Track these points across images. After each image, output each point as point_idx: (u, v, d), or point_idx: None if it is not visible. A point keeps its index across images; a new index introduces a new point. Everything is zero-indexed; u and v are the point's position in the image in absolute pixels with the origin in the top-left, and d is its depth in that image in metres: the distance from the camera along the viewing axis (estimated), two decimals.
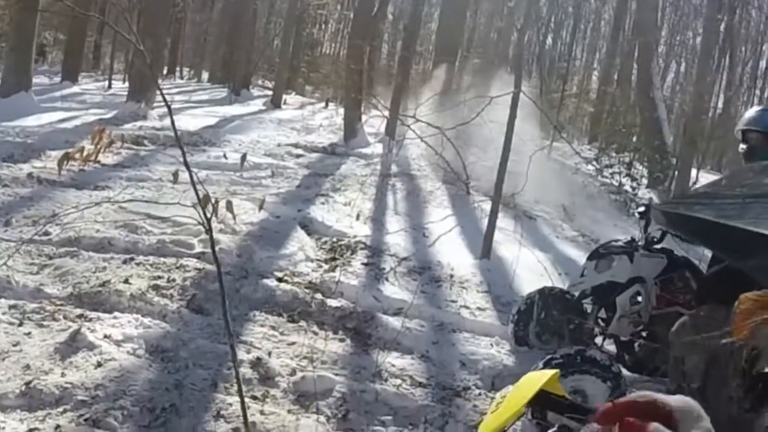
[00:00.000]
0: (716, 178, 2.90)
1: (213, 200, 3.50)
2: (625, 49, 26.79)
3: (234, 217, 4.78)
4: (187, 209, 3.74)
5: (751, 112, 5.41)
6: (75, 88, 20.91)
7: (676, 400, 1.10)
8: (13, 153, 10.33)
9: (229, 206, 3.70)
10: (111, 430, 4.03)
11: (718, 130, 20.25)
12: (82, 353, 4.80)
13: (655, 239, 5.61)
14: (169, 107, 3.76)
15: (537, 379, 1.53)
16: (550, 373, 1.53)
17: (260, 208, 4.58)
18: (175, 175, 3.81)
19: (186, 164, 3.51)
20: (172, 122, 3.61)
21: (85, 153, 10.34)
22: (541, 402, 1.52)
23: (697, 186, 12.77)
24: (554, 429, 1.33)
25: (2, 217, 7.45)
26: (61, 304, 5.63)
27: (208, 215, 3.45)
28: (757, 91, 36.94)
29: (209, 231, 3.50)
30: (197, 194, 3.47)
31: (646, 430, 1.06)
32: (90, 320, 5.34)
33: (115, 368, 4.67)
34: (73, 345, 4.87)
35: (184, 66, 38.88)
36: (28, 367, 4.57)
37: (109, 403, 4.26)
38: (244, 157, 4.10)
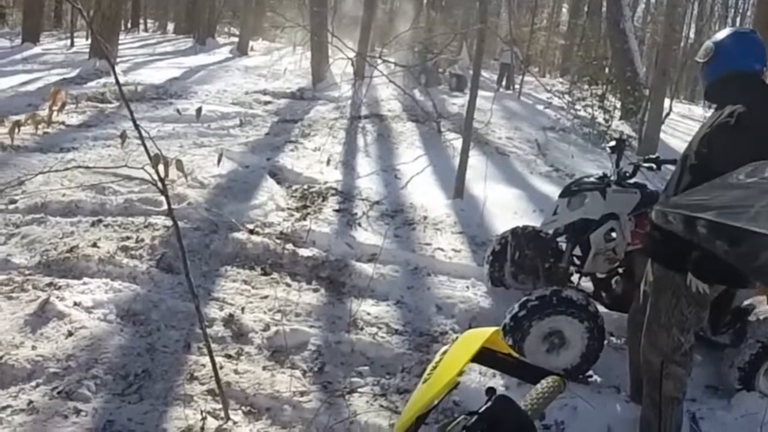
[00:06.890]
0: (725, 175, 2.70)
1: (163, 159, 3.38)
2: None
3: (186, 176, 4.64)
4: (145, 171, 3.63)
5: None
6: (36, 49, 20.60)
7: None
8: None
9: (179, 165, 3.58)
10: (84, 401, 3.95)
11: (690, 61, 20.22)
12: (52, 323, 4.69)
13: (628, 174, 5.50)
14: (112, 65, 3.61)
15: (477, 336, 1.46)
16: (490, 330, 1.47)
17: (218, 162, 4.45)
18: (123, 136, 3.68)
19: (134, 123, 3.38)
20: (116, 80, 3.46)
21: (37, 119, 10.08)
22: (484, 360, 1.45)
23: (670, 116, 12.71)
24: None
25: None
26: (30, 274, 5.52)
27: (162, 175, 3.34)
28: (729, 21, 36.82)
29: (164, 191, 3.39)
30: (148, 154, 3.36)
31: None
32: (59, 288, 5.22)
33: (86, 336, 4.58)
34: (42, 316, 4.76)
35: (148, 19, 38.33)
36: None
37: (82, 373, 4.17)
38: (199, 111, 3.96)
